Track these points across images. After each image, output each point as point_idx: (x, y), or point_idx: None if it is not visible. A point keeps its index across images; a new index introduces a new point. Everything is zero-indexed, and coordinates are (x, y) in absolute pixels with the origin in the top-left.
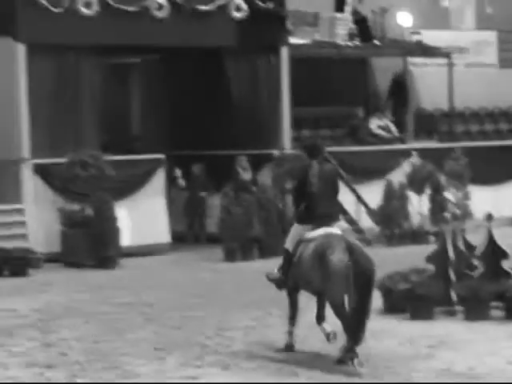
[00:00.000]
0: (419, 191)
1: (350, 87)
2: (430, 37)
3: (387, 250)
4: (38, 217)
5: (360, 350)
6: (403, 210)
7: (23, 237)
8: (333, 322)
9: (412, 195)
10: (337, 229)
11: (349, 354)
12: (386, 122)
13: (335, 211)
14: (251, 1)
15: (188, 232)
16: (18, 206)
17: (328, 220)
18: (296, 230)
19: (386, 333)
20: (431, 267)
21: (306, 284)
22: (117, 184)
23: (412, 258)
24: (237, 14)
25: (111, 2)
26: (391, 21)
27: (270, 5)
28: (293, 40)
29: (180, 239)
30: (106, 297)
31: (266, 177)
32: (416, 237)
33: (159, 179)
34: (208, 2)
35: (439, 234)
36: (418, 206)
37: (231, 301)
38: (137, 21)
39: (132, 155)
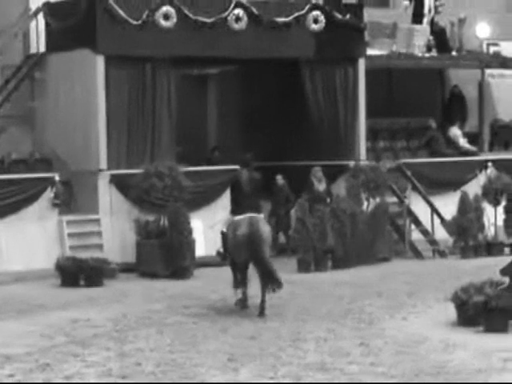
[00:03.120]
0: (495, 203)
1: (426, 98)
2: (508, 48)
3: (461, 262)
4: (113, 227)
5: (431, 361)
6: (478, 222)
7: (99, 247)
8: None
9: (487, 207)
10: (255, 214)
11: (262, 304)
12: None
13: (257, 205)
14: (329, 12)
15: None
16: (94, 217)
17: (251, 211)
18: (231, 218)
19: (460, 345)
20: (506, 279)
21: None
22: (192, 195)
23: (487, 270)
24: (314, 26)
25: (189, 14)
26: (469, 32)
27: (348, 16)
28: (370, 51)
29: None
30: (181, 307)
31: (340, 188)
32: (491, 249)
33: None
34: (285, 14)
35: None
36: (494, 217)
37: (305, 312)
38: (214, 32)
39: (209, 166)
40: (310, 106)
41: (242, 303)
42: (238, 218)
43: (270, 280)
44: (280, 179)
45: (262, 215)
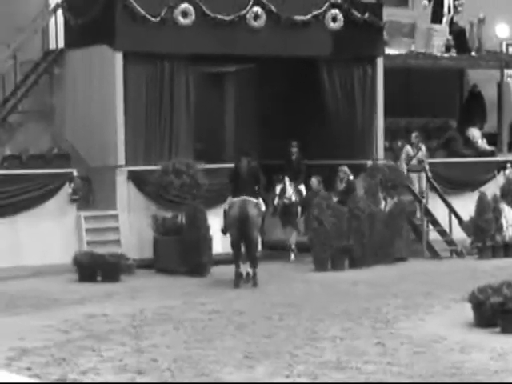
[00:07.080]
0: None
1: (445, 99)
2: None
3: (479, 263)
4: (131, 223)
5: (447, 362)
6: (496, 223)
7: (116, 243)
8: None
9: (506, 208)
10: (249, 198)
11: (255, 277)
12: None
13: (252, 190)
14: (347, 11)
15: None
16: (112, 212)
17: (246, 194)
18: (230, 199)
19: (477, 346)
20: None
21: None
22: (209, 192)
23: (504, 270)
24: (333, 25)
25: (208, 12)
26: (488, 32)
27: (367, 15)
28: (388, 50)
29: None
30: (197, 304)
31: (358, 187)
32: (508, 249)
33: None
34: (304, 12)
35: None
36: None
37: (322, 311)
38: (233, 30)
39: (225, 163)
40: (328, 105)
41: (235, 280)
42: (234, 199)
43: (251, 258)
44: (315, 183)
45: (255, 200)
